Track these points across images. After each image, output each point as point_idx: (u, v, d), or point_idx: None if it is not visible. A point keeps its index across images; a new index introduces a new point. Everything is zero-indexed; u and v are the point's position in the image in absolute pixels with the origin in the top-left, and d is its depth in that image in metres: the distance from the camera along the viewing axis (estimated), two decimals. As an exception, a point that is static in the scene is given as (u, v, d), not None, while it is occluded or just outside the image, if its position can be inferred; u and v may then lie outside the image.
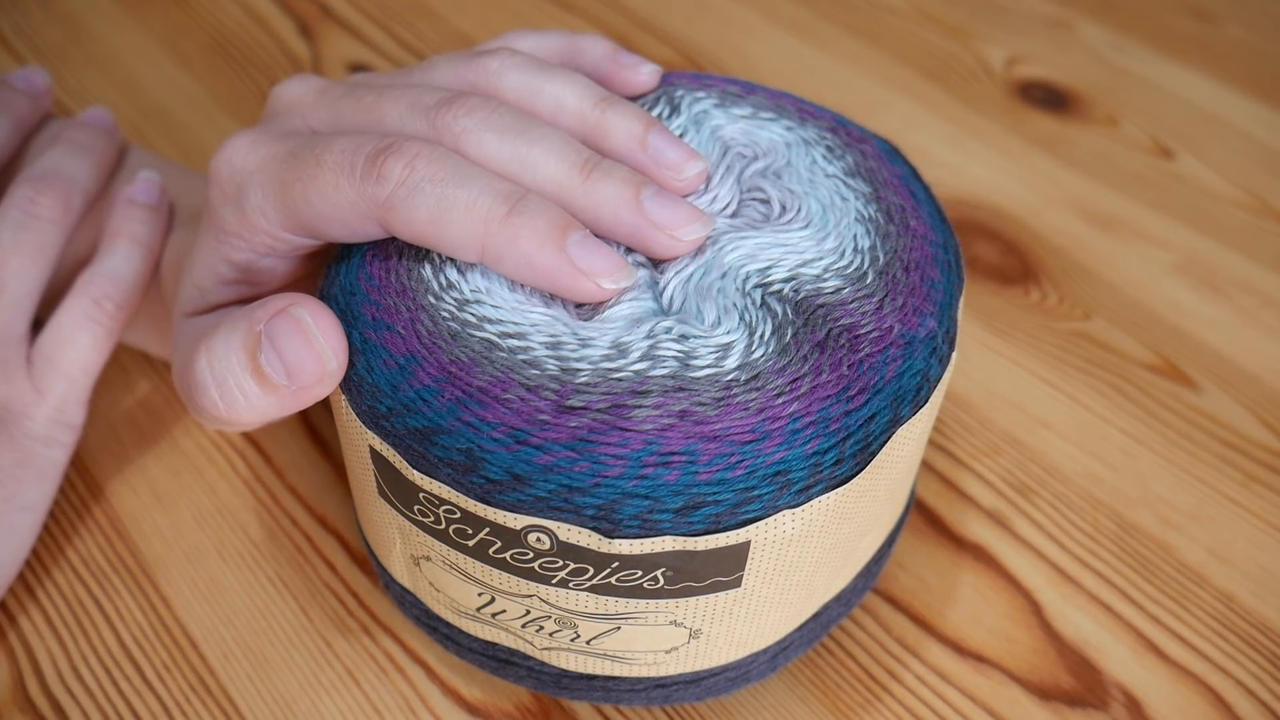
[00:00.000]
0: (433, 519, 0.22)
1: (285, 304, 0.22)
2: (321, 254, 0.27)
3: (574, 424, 0.21)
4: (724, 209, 0.25)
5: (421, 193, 0.22)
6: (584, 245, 0.22)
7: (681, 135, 0.27)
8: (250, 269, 0.25)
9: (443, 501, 0.22)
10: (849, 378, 0.22)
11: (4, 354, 0.28)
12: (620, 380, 0.21)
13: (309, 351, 0.22)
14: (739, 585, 0.22)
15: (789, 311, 0.23)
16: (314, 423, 0.33)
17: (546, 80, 0.25)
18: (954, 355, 0.24)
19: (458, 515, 0.22)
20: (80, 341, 0.29)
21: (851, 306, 0.23)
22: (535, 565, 0.22)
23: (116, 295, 0.29)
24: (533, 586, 0.22)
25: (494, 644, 0.25)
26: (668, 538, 0.21)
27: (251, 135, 0.25)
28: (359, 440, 0.23)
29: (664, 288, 0.24)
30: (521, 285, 0.24)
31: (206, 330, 0.24)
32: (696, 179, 0.25)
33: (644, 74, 0.27)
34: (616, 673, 0.24)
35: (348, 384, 0.23)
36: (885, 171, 0.27)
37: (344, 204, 0.23)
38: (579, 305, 0.24)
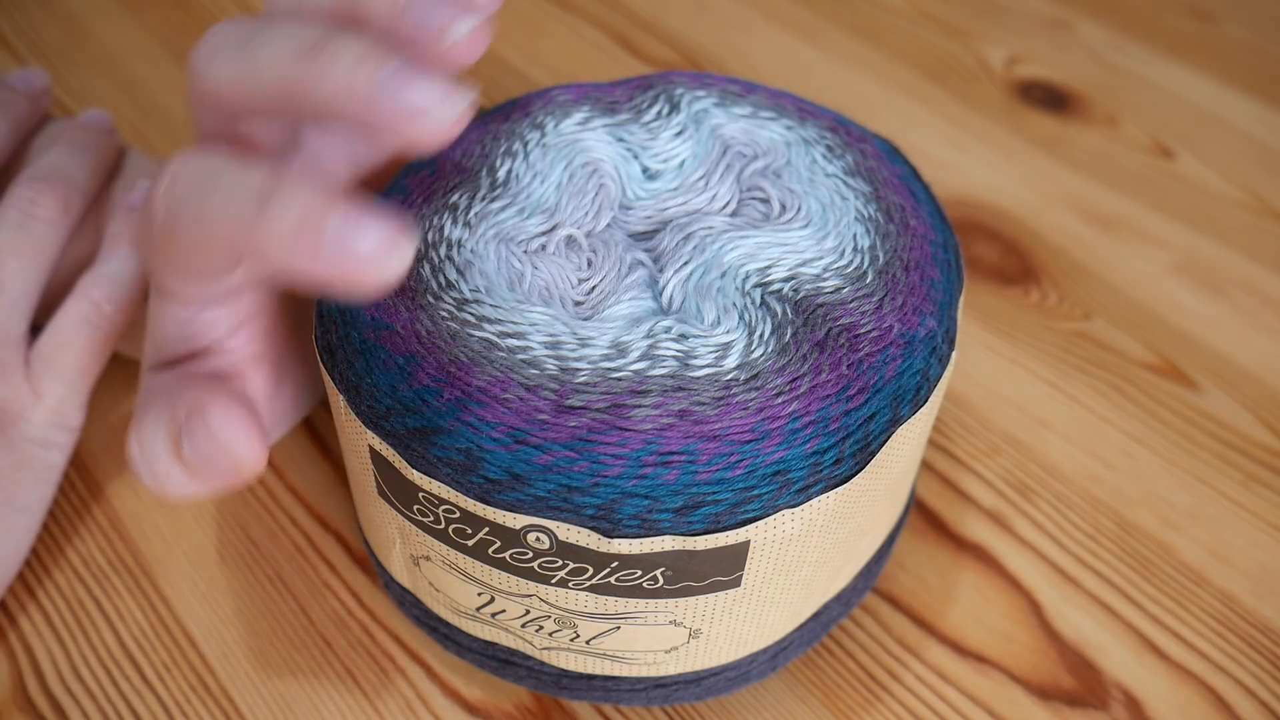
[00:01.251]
0: (432, 519, 0.22)
1: (198, 402, 0.22)
2: (263, 299, 0.26)
3: (573, 424, 0.21)
4: (724, 208, 0.25)
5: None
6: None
7: (681, 133, 0.27)
8: (192, 324, 0.24)
9: (442, 501, 0.22)
10: (848, 377, 0.22)
11: (2, 356, 0.28)
12: (619, 380, 0.21)
13: (219, 453, 0.22)
14: (738, 585, 0.22)
15: (788, 311, 0.23)
16: (314, 423, 0.33)
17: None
18: (954, 355, 0.24)
19: (457, 515, 0.22)
20: (78, 345, 0.29)
21: (851, 306, 0.23)
22: (535, 565, 0.22)
23: (116, 299, 0.29)
24: (532, 586, 0.22)
25: (494, 644, 0.25)
26: (667, 537, 0.21)
27: None
28: (359, 440, 0.23)
29: (663, 287, 0.24)
30: (520, 284, 0.24)
31: (142, 404, 0.24)
32: (471, 44, 0.20)
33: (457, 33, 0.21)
34: (616, 672, 0.24)
35: (347, 384, 0.23)
36: (885, 171, 0.27)
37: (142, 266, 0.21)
38: (578, 303, 0.24)
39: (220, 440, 0.22)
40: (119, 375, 0.34)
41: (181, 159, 0.20)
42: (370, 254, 0.18)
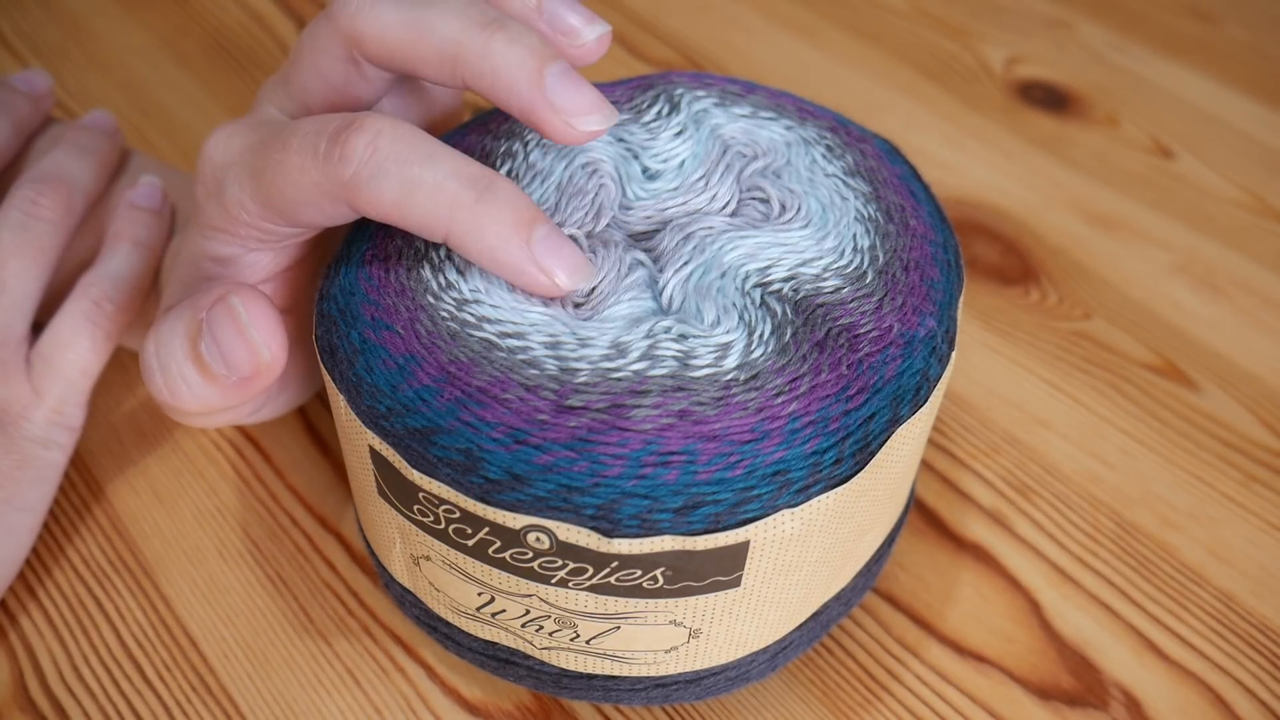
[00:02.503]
0: (432, 519, 0.22)
1: (224, 292, 0.22)
2: (310, 244, 0.27)
3: (573, 424, 0.21)
4: (723, 208, 0.25)
5: (386, 174, 0.21)
6: (548, 242, 0.22)
7: (681, 133, 0.27)
8: (234, 263, 0.25)
9: (442, 501, 0.22)
10: (848, 377, 0.22)
11: (3, 355, 0.28)
12: (619, 380, 0.21)
13: (241, 342, 0.22)
14: (738, 585, 0.22)
15: (788, 311, 0.23)
16: (314, 423, 0.33)
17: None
18: (954, 355, 0.24)
19: (457, 515, 0.22)
20: (79, 344, 0.29)
21: (851, 306, 0.23)
22: (535, 565, 0.22)
23: (117, 298, 0.29)
24: (532, 586, 0.22)
25: (494, 644, 0.25)
26: (667, 537, 0.21)
27: (229, 128, 0.25)
28: (359, 440, 0.23)
29: (663, 287, 0.24)
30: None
31: (162, 314, 0.24)
32: (598, 46, 0.23)
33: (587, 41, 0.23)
34: (616, 672, 0.24)
35: (347, 384, 0.23)
36: (885, 171, 0.27)
37: (311, 187, 0.22)
38: (577, 305, 0.24)
39: (244, 327, 0.22)
40: (120, 375, 0.34)
41: (378, 123, 0.22)
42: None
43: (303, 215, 0.23)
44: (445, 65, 0.22)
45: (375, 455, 0.22)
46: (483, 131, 0.27)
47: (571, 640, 0.24)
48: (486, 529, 0.21)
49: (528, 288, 0.22)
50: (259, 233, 0.24)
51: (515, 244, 0.21)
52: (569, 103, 0.21)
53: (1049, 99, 0.46)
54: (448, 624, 0.25)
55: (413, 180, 0.21)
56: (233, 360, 0.22)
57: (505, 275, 0.22)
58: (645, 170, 0.26)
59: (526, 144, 0.26)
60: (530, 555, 0.22)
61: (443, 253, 0.24)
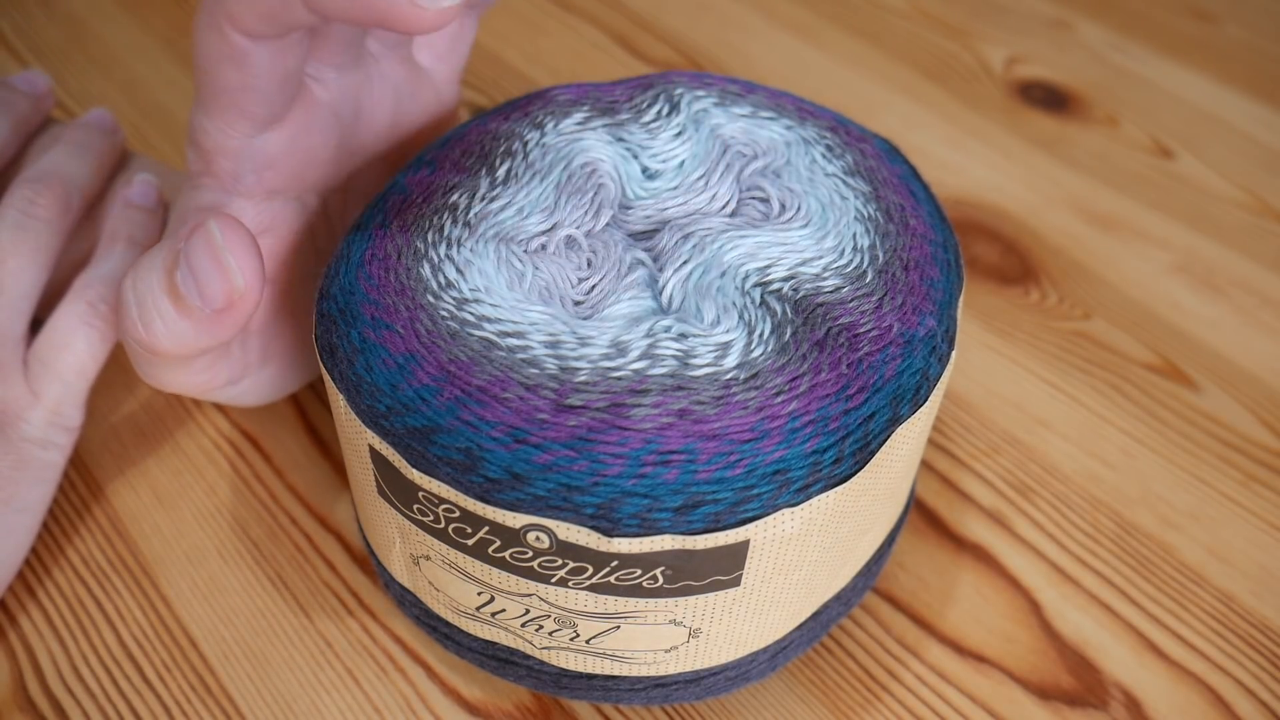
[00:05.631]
0: (432, 518, 0.22)
1: (203, 219, 0.22)
2: (290, 211, 0.27)
3: (573, 423, 0.21)
4: (723, 207, 0.25)
5: None
6: None
7: (680, 133, 0.27)
8: (220, 211, 0.25)
9: (442, 500, 0.22)
10: (848, 376, 0.22)
11: (1, 356, 0.28)
12: (619, 379, 0.21)
13: (216, 267, 0.22)
14: (738, 584, 0.22)
15: (788, 310, 0.23)
16: (314, 423, 0.33)
17: None
18: (953, 354, 0.24)
19: (457, 514, 0.22)
20: (76, 345, 0.29)
21: (851, 305, 0.23)
22: (534, 564, 0.22)
23: (112, 298, 0.29)
24: (532, 585, 0.22)
25: (494, 643, 0.25)
26: (667, 536, 0.21)
27: None
28: (358, 440, 0.23)
29: (663, 286, 0.24)
30: (520, 284, 0.24)
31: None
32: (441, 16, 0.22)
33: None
34: (616, 672, 0.24)
35: (347, 383, 0.23)
36: (885, 171, 0.27)
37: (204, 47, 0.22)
38: (577, 303, 0.24)
39: (219, 250, 0.21)
40: (119, 375, 0.34)
41: None
42: None
43: (235, 101, 0.23)
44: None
45: (375, 455, 0.22)
46: (482, 131, 0.27)
47: (571, 640, 0.24)
48: (486, 528, 0.21)
49: (390, 16, 0.20)
50: (227, 158, 0.24)
51: None
52: None
53: (1049, 99, 0.46)
54: (447, 624, 0.25)
55: None
56: (207, 288, 0.22)
57: (366, 9, 0.20)
58: (645, 170, 0.26)
59: (526, 144, 0.26)
60: (530, 554, 0.22)
61: (442, 251, 0.24)
